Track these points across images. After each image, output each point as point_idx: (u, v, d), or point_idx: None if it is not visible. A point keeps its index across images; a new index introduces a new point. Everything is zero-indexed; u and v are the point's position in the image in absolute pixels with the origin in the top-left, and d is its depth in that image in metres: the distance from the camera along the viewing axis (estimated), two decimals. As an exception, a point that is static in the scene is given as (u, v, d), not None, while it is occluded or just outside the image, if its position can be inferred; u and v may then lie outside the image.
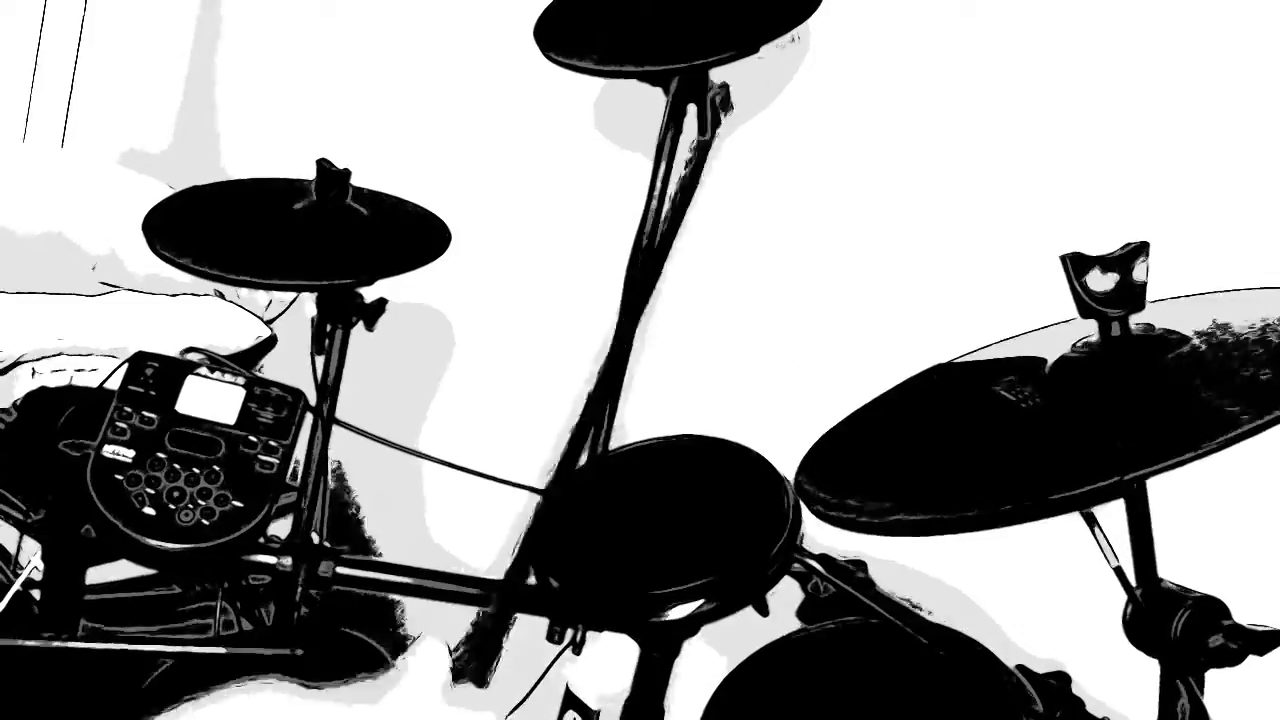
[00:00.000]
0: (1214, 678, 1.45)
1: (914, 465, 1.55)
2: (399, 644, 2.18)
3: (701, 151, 2.17)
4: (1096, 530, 1.44)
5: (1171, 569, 1.49)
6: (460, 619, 2.03)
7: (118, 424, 1.92)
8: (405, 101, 2.88)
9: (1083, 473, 1.35)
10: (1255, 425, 1.29)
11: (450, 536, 2.65)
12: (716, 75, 2.21)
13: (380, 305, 2.07)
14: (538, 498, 2.13)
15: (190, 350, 2.56)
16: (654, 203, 2.21)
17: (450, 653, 2.03)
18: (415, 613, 2.51)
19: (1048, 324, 1.57)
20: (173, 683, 1.92)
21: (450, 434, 2.51)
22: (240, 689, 1.90)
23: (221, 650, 1.94)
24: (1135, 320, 1.44)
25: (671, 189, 2.22)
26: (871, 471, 1.57)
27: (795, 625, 1.89)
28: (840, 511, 1.50)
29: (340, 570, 1.96)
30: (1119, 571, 1.46)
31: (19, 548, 2.22)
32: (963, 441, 1.53)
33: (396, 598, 2.49)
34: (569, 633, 1.98)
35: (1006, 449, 1.47)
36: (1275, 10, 1.99)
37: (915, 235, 2.28)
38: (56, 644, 1.93)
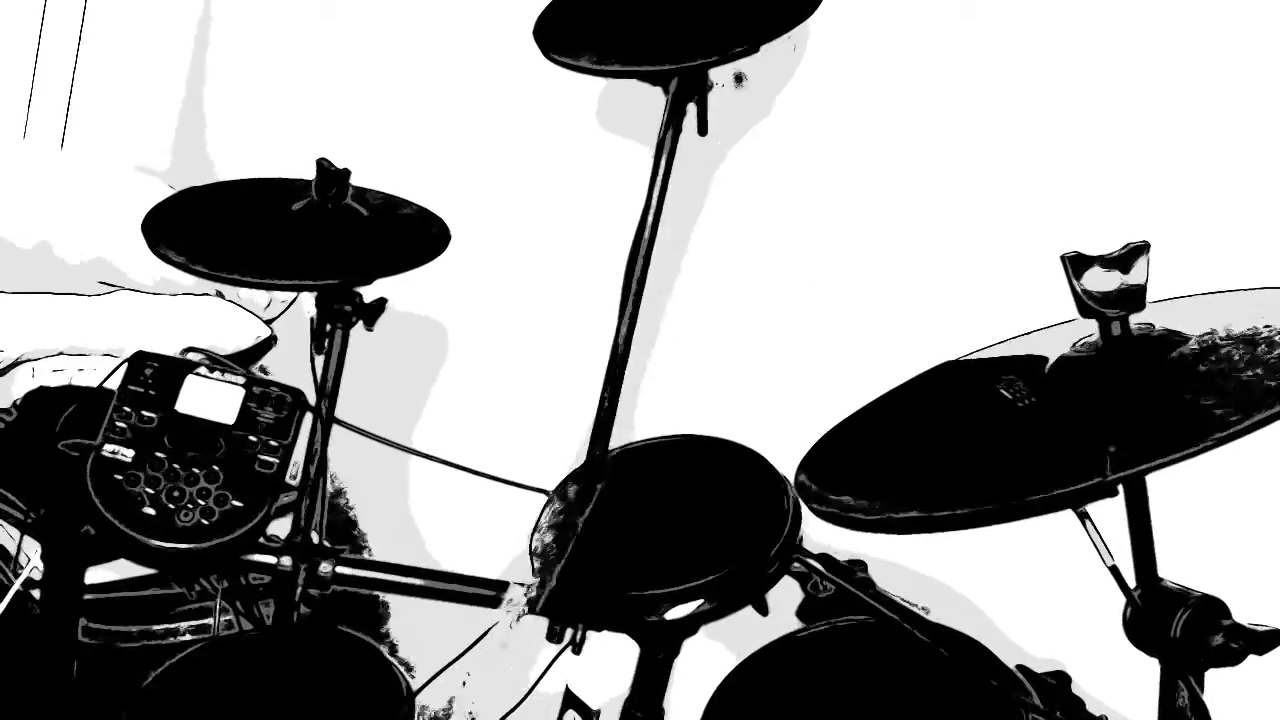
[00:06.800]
0: (1214, 677, 1.45)
1: (909, 463, 1.56)
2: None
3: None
4: (1088, 525, 1.44)
5: (1172, 568, 1.49)
6: (452, 619, 2.02)
7: (117, 424, 1.92)
8: (405, 101, 2.88)
9: (1066, 473, 1.36)
10: (1243, 427, 1.29)
11: (449, 536, 2.65)
12: (715, 74, 2.21)
13: (380, 305, 2.06)
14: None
15: (190, 350, 2.55)
16: (653, 202, 2.21)
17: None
18: (408, 613, 2.51)
19: (1057, 323, 1.57)
20: (172, 682, 1.92)
21: (449, 433, 2.51)
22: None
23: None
24: (1136, 320, 1.44)
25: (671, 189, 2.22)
26: (868, 469, 1.58)
27: (795, 625, 1.90)
28: (835, 508, 1.51)
29: (340, 570, 1.96)
30: (1114, 570, 1.46)
31: (19, 548, 2.22)
32: (959, 440, 1.54)
33: (385, 598, 2.49)
34: (569, 633, 1.97)
35: (1000, 447, 1.47)
36: (1275, 10, 1.99)
37: (917, 236, 2.28)
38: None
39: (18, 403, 2.56)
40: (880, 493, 1.51)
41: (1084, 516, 1.43)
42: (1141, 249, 1.41)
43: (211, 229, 2.08)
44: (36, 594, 2.11)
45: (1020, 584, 2.09)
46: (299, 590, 1.95)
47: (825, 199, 2.39)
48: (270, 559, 1.95)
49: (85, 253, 2.77)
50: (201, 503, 1.89)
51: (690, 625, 1.79)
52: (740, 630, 1.84)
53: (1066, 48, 2.16)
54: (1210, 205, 2.00)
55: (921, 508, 1.45)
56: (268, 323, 2.80)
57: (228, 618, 2.24)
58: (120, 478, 1.89)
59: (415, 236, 2.09)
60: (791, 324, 2.41)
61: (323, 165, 2.06)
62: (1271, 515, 1.95)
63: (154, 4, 3.22)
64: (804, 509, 1.73)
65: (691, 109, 2.22)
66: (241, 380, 1.99)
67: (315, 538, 2.00)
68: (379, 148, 2.59)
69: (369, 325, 2.06)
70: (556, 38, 2.24)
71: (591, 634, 1.96)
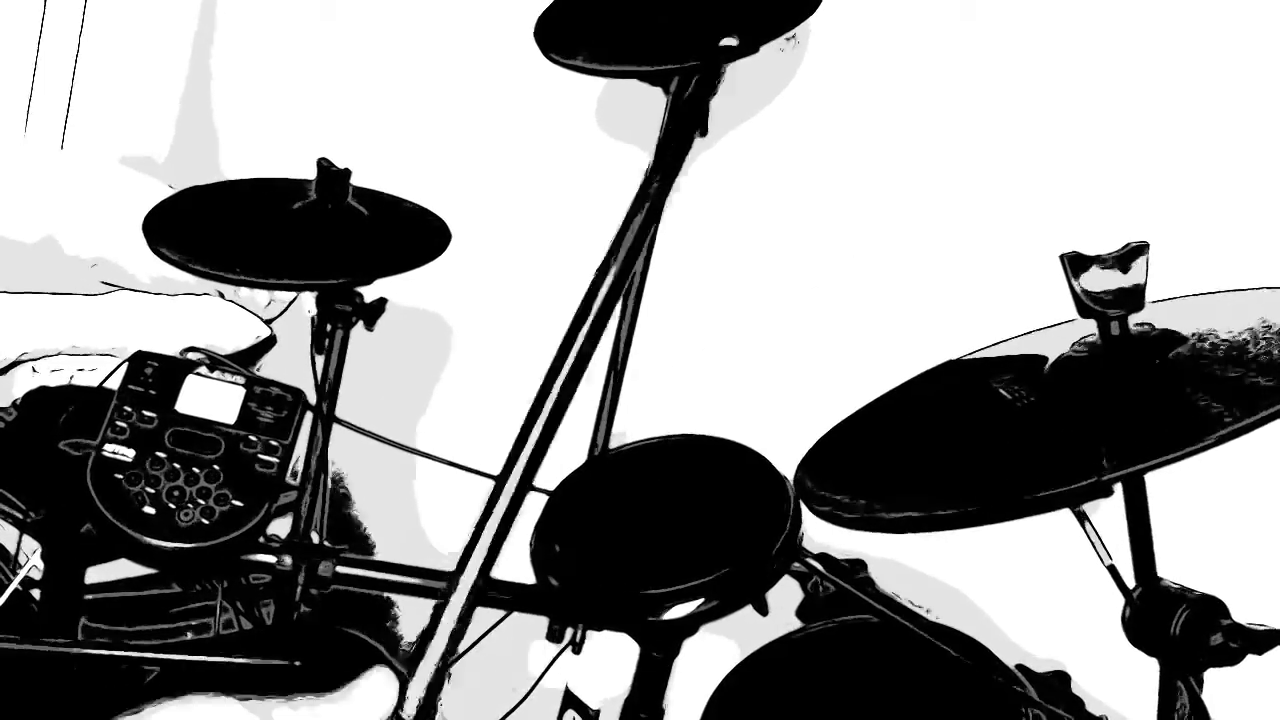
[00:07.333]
0: (1213, 677, 1.45)
1: (907, 463, 1.56)
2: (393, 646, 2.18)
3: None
4: (1088, 527, 1.44)
5: (1171, 568, 1.49)
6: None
7: (118, 423, 1.92)
8: (405, 101, 2.88)
9: (1060, 473, 1.36)
10: (1238, 427, 1.29)
11: (449, 536, 2.65)
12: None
13: (380, 305, 2.06)
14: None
15: (190, 350, 2.55)
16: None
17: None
18: (409, 613, 2.51)
19: (1057, 323, 1.57)
20: (169, 685, 1.92)
21: (450, 433, 2.51)
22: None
23: (220, 659, 1.94)
24: (1135, 320, 1.44)
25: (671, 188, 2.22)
26: (867, 469, 1.58)
27: (795, 625, 1.90)
28: (830, 507, 1.51)
29: (340, 570, 1.96)
30: (1113, 570, 1.46)
31: (19, 548, 2.22)
32: (957, 439, 1.54)
33: (393, 598, 2.49)
34: (569, 633, 1.97)
35: (996, 447, 1.48)
36: (1275, 10, 1.99)
37: (917, 235, 2.28)
38: (52, 648, 1.93)
39: (18, 402, 2.56)
40: (878, 493, 1.51)
41: (1082, 516, 1.44)
42: (1140, 249, 1.41)
43: (211, 229, 2.08)
44: (36, 594, 2.11)
45: (1020, 584, 2.09)
46: (299, 590, 1.95)
47: (826, 199, 2.39)
48: (270, 559, 1.95)
49: (85, 252, 2.77)
50: (201, 502, 1.89)
51: (690, 625, 1.79)
52: (740, 630, 1.84)
53: (1067, 48, 2.16)
54: (1210, 205, 2.00)
55: (918, 508, 1.45)
56: (268, 323, 2.80)
57: (228, 617, 2.24)
58: (120, 477, 1.89)
59: (415, 236, 2.09)
60: (792, 324, 2.41)
61: (323, 165, 2.06)
62: (1271, 515, 1.95)
63: (154, 4, 3.22)
64: (804, 509, 1.73)
65: (691, 109, 2.22)
66: (242, 380, 1.99)
67: (315, 538, 2.00)
68: (379, 148, 2.59)
69: (369, 325, 2.06)
70: (556, 38, 2.24)
71: (591, 634, 1.96)
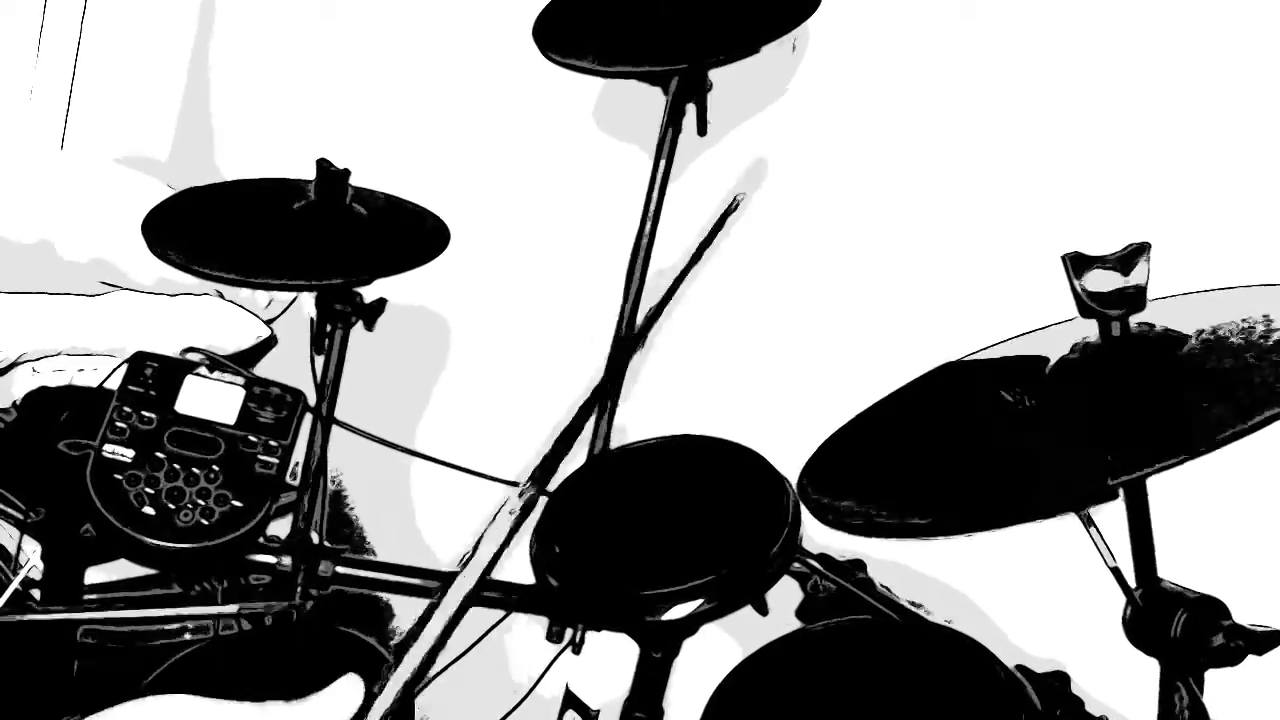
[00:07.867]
0: (1214, 677, 1.45)
1: (911, 469, 1.56)
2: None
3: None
4: (1092, 531, 1.44)
5: (1172, 569, 1.49)
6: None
7: (117, 424, 1.92)
8: (405, 101, 2.88)
9: (1065, 480, 1.36)
10: (1244, 428, 1.29)
11: (448, 537, 2.65)
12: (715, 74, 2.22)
13: (379, 305, 2.06)
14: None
15: (190, 350, 2.55)
16: (653, 202, 2.21)
17: None
18: (408, 613, 2.51)
19: (1057, 322, 1.57)
20: (172, 681, 1.92)
21: (449, 434, 2.51)
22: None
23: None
24: (1136, 319, 1.44)
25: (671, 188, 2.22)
26: (871, 475, 1.58)
27: (795, 625, 1.89)
28: (835, 514, 1.51)
29: (340, 570, 1.96)
30: (1116, 572, 1.46)
31: (19, 548, 2.22)
32: (960, 444, 1.54)
33: (388, 598, 2.49)
34: (569, 633, 1.97)
35: (1000, 452, 1.48)
36: (1275, 10, 1.99)
37: (918, 236, 2.28)
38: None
39: (18, 403, 2.56)
40: (884, 499, 1.51)
41: (1087, 518, 1.44)
42: (1142, 249, 1.41)
43: (211, 229, 2.08)
44: (37, 594, 2.11)
45: (1020, 584, 2.09)
46: (298, 590, 1.95)
47: (825, 198, 2.39)
48: (270, 559, 1.95)
49: (85, 253, 2.77)
50: (201, 503, 1.89)
51: (690, 625, 1.79)
52: (740, 630, 1.84)
53: (1067, 48, 2.16)
54: (1211, 205, 2.00)
55: (925, 515, 1.45)
56: (268, 323, 2.80)
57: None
58: (120, 478, 1.89)
59: (415, 236, 2.09)
60: (792, 323, 2.41)
61: (323, 165, 2.05)
62: (1271, 515, 1.95)
63: (154, 5, 3.22)
64: (804, 510, 1.73)
65: (691, 109, 2.22)
66: (241, 380, 1.99)
67: (315, 538, 2.00)
68: (379, 148, 2.59)
69: (369, 325, 2.06)
70: (556, 38, 2.24)
71: (591, 634, 1.96)
